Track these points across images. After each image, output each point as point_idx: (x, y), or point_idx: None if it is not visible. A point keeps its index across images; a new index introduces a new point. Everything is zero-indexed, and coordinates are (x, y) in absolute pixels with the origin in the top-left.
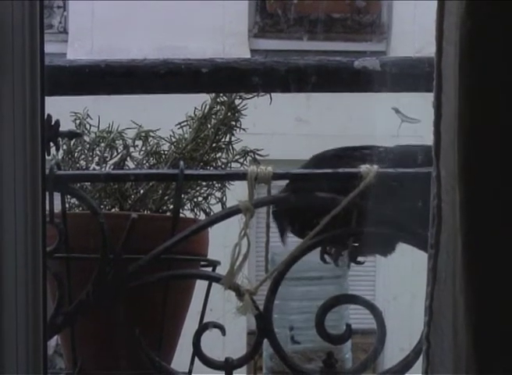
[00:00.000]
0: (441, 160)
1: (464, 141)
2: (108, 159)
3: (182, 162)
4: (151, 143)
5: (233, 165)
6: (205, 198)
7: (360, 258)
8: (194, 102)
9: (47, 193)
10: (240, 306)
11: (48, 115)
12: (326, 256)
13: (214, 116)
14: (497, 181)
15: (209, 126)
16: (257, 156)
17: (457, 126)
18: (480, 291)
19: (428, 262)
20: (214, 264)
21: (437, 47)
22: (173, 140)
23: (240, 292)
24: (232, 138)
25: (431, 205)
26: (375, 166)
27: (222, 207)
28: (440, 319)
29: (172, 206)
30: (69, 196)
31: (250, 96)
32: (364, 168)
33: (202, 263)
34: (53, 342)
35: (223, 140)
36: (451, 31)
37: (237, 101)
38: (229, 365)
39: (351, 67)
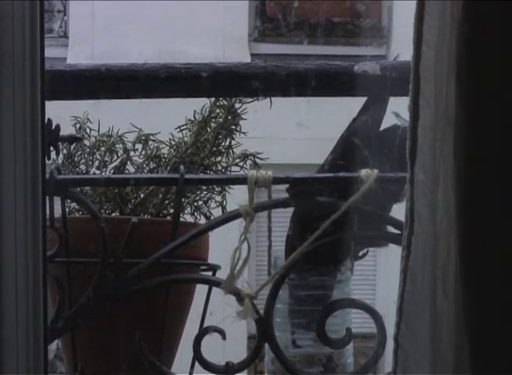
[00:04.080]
0: (417, 163)
1: (462, 143)
2: (108, 163)
3: (182, 167)
4: (151, 147)
5: (233, 169)
6: (205, 202)
7: (360, 253)
8: (194, 106)
9: (47, 197)
10: (241, 310)
11: (49, 119)
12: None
13: (214, 120)
14: (495, 183)
15: (209, 130)
16: (257, 160)
17: (454, 128)
18: (477, 293)
19: (400, 264)
20: (214, 268)
21: (415, 50)
22: (173, 143)
23: (240, 296)
24: (232, 142)
25: (405, 207)
26: (375, 170)
27: (223, 211)
28: (415, 320)
29: (172, 210)
30: (69, 200)
31: (250, 100)
32: (364, 172)
33: (202, 267)
34: (53, 346)
35: (223, 144)
36: (432, 35)
37: (237, 105)
38: (229, 369)
39: (351, 71)
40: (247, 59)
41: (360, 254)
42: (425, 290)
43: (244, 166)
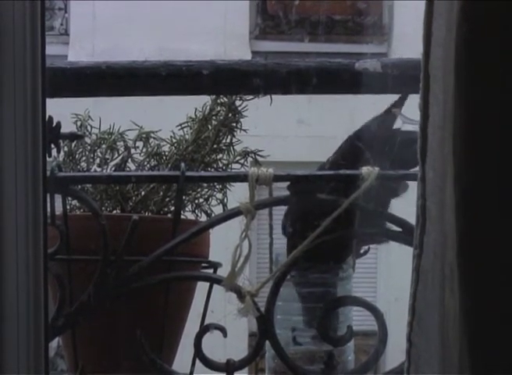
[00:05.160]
0: (427, 161)
1: (461, 143)
2: (109, 161)
3: (183, 164)
4: (152, 144)
5: (234, 166)
6: (206, 200)
7: (361, 251)
8: (195, 103)
9: (48, 195)
10: (242, 308)
11: (49, 117)
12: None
13: (214, 118)
14: (494, 183)
15: (210, 127)
16: (258, 158)
17: (453, 128)
18: (476, 293)
19: (412, 263)
20: (215, 266)
21: (424, 48)
22: (174, 141)
23: (241, 294)
24: (233, 140)
25: (416, 205)
26: (377, 168)
27: (223, 208)
28: (426, 319)
29: (173, 208)
30: (70, 198)
31: (251, 97)
32: (365, 169)
33: (203, 265)
34: (54, 344)
35: (224, 141)
36: (441, 33)
37: (238, 103)
38: (230, 366)
39: (352, 69)
40: (248, 57)
41: (362, 251)
42: (435, 288)
43: (245, 163)
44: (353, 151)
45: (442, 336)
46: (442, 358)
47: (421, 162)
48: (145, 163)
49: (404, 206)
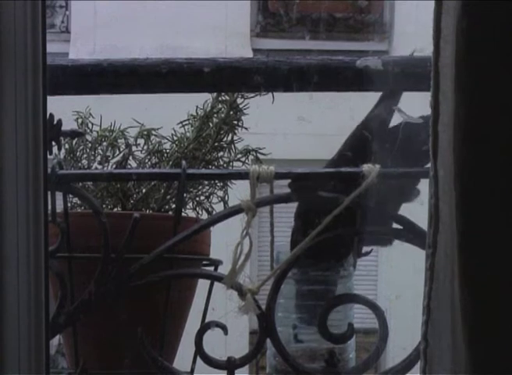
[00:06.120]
0: (439, 160)
1: (460, 140)
2: (110, 158)
3: (184, 162)
4: (153, 142)
5: (235, 164)
6: (207, 197)
7: (363, 250)
8: (196, 101)
9: (49, 192)
10: (242, 305)
11: (50, 114)
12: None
13: (216, 115)
14: (494, 181)
15: (211, 125)
16: (259, 155)
17: (453, 125)
18: (475, 292)
19: (426, 262)
20: (216, 263)
21: (434, 46)
22: (175, 138)
23: (242, 291)
24: (235, 137)
25: (428, 204)
26: (377, 166)
27: (224, 206)
28: (439, 318)
29: (174, 205)
30: (71, 195)
31: (252, 95)
32: (366, 167)
33: (204, 262)
34: (55, 341)
35: (225, 139)
36: (449, 30)
37: (239, 100)
38: (231, 364)
39: (353, 66)
40: (249, 55)
41: (364, 251)
42: (446, 287)
43: (246, 161)
44: (358, 140)
45: (453, 334)
46: (453, 357)
47: (433, 160)
48: (146, 161)
49: (407, 205)
